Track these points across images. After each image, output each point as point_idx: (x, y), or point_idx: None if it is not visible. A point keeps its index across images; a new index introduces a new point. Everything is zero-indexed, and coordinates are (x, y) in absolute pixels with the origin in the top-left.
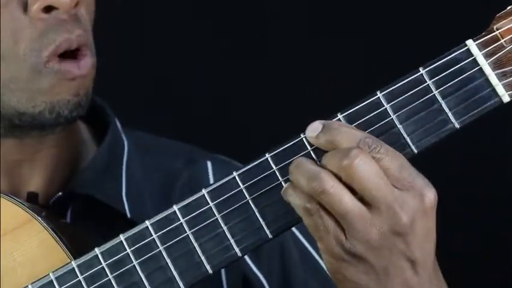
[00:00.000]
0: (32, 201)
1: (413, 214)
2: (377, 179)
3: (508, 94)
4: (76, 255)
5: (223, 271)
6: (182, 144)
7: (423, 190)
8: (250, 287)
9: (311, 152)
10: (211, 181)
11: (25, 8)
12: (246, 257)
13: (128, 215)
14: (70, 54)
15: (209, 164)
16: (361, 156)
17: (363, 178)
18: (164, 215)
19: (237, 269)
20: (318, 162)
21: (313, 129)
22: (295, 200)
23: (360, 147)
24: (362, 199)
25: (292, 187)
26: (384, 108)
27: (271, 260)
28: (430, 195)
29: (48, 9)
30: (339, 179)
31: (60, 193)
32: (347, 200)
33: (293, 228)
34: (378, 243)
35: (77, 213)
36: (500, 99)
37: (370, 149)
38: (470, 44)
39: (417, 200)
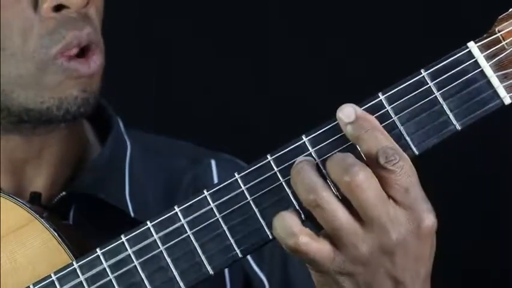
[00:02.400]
0: (35, 201)
1: (405, 235)
2: (375, 199)
3: (510, 96)
4: (77, 256)
5: (226, 271)
6: (185, 143)
7: (422, 214)
8: (251, 287)
9: (313, 153)
10: (216, 180)
11: (35, 6)
12: (248, 256)
13: (132, 214)
14: (79, 53)
15: (213, 162)
16: (362, 174)
17: (361, 197)
18: (165, 215)
19: (240, 268)
20: (320, 165)
21: (347, 115)
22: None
23: (369, 161)
24: (356, 213)
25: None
26: (385, 110)
27: (273, 261)
28: (428, 221)
29: (58, 8)
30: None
31: (63, 193)
32: (340, 215)
33: None
34: (366, 260)
35: (80, 213)
36: (502, 101)
37: (387, 160)
38: (472, 46)
39: (412, 223)
